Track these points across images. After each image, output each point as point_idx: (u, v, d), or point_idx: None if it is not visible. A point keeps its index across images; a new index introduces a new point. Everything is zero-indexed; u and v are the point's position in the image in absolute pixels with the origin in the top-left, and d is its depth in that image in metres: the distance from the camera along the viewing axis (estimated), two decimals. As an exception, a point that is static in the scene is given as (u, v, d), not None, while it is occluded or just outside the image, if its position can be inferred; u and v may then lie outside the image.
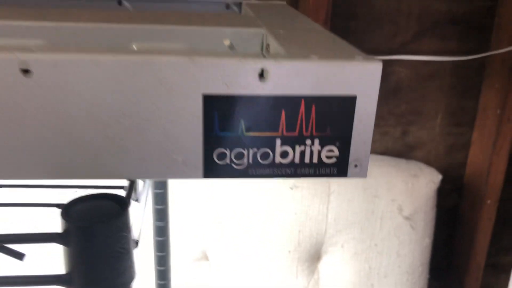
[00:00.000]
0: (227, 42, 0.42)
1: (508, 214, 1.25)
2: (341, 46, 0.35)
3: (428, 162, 1.18)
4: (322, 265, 0.99)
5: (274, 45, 0.36)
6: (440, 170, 1.14)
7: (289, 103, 0.30)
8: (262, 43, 0.42)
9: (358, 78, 0.30)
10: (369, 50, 1.09)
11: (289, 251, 0.96)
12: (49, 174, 0.28)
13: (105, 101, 0.29)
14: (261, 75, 0.29)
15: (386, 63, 1.10)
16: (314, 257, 0.99)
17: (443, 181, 1.11)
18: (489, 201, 1.16)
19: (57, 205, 0.28)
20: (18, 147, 0.28)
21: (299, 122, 0.30)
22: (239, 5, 0.63)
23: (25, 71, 0.28)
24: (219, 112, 0.30)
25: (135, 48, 0.40)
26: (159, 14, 0.48)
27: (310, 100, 0.30)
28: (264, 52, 0.40)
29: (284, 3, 0.63)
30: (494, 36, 1.09)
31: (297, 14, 0.55)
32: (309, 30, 0.42)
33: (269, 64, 0.29)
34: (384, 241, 0.97)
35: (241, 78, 0.29)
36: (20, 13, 0.46)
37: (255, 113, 0.30)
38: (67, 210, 0.27)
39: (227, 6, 0.64)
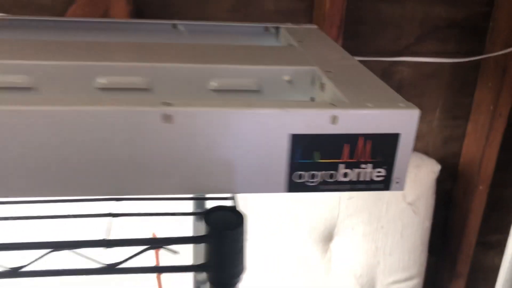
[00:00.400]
0: (286, 78, 0.53)
1: (497, 198, 1.39)
2: (385, 91, 0.46)
3: (426, 151, 1.30)
4: (334, 245, 1.12)
5: (331, 87, 0.47)
6: (437, 159, 1.26)
7: (351, 138, 0.41)
8: (314, 78, 0.53)
9: (401, 121, 0.42)
10: (376, 51, 1.20)
11: (305, 233, 1.09)
12: (182, 190, 0.40)
13: (224, 139, 0.40)
14: (333, 119, 0.41)
15: (391, 63, 1.22)
16: (327, 238, 1.11)
17: (440, 169, 1.24)
18: (481, 187, 1.29)
19: (199, 213, 0.39)
20: (160, 173, 0.40)
21: (357, 152, 0.42)
22: (277, 29, 0.74)
23: (167, 120, 0.39)
24: (300, 146, 0.41)
25: (215, 84, 0.51)
26: (226, 50, 0.58)
27: (366, 136, 0.41)
28: (319, 87, 0.51)
29: (316, 27, 0.74)
30: (489, 39, 1.20)
31: (330, 41, 0.66)
32: (352, 67, 0.53)
33: (338, 112, 0.40)
34: (389, 224, 1.10)
35: (318, 122, 0.40)
36: (109, 49, 0.56)
37: (326, 146, 0.41)
38: (206, 217, 0.38)
39: (266, 29, 0.75)
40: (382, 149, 0.42)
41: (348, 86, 0.47)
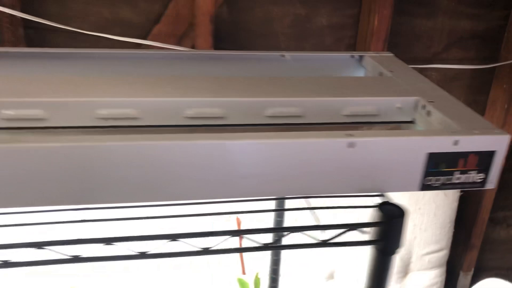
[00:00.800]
0: (398, 105, 0.73)
1: (505, 181, 1.62)
2: (477, 118, 0.66)
3: (448, 142, 1.52)
4: (379, 224, 1.34)
5: (438, 115, 0.67)
6: (457, 149, 1.48)
7: (464, 154, 0.62)
8: (417, 105, 0.73)
9: (496, 142, 0.62)
10: (410, 59, 1.40)
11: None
12: (354, 190, 0.60)
13: (383, 156, 0.59)
14: (454, 142, 0.61)
15: (422, 69, 1.42)
16: (373, 218, 1.33)
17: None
18: (494, 172, 1.52)
19: (374, 206, 0.59)
20: (341, 179, 0.59)
21: (467, 163, 0.62)
22: (361, 57, 0.93)
23: (351, 146, 0.58)
24: (432, 160, 0.61)
25: (348, 112, 0.71)
26: (348, 82, 0.78)
27: (473, 153, 0.62)
28: (424, 114, 0.71)
29: (392, 54, 0.94)
30: (504, 48, 1.42)
31: (412, 70, 0.86)
32: (444, 97, 0.74)
33: (459, 138, 0.61)
34: (425, 205, 1.32)
35: (445, 144, 0.61)
36: (265, 84, 0.75)
37: (448, 159, 0.62)
38: (381, 209, 0.58)
39: (352, 56, 0.94)
40: (483, 161, 0.63)
41: (451, 114, 0.67)
